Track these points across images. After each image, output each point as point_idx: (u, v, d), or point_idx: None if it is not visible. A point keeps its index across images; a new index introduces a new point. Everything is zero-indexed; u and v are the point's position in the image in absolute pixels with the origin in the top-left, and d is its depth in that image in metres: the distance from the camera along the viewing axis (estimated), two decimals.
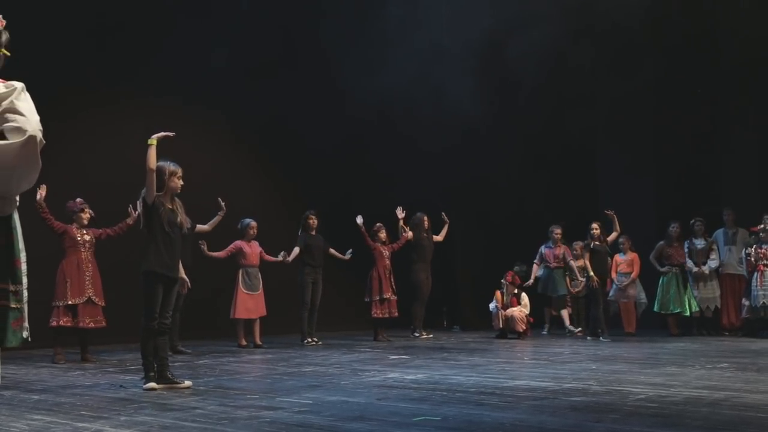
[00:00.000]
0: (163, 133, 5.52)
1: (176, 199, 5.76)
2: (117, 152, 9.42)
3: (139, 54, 10.16)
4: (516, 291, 10.46)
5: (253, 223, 9.33)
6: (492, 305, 10.48)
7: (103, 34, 9.82)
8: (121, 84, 9.89)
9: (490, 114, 11.48)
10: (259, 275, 9.33)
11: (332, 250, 9.93)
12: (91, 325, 7.59)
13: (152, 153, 5.47)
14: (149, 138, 5.51)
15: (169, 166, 5.67)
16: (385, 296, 10.01)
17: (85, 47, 9.66)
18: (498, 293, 10.47)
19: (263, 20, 11.16)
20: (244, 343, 9.18)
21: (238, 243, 9.25)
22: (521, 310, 10.28)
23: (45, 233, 7.55)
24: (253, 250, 9.31)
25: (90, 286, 7.58)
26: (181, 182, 5.72)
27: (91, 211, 7.80)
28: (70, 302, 7.46)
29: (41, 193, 7.33)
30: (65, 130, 9.34)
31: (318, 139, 11.61)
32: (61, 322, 7.46)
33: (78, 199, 7.78)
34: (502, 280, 10.46)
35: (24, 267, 3.06)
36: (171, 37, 10.43)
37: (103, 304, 7.69)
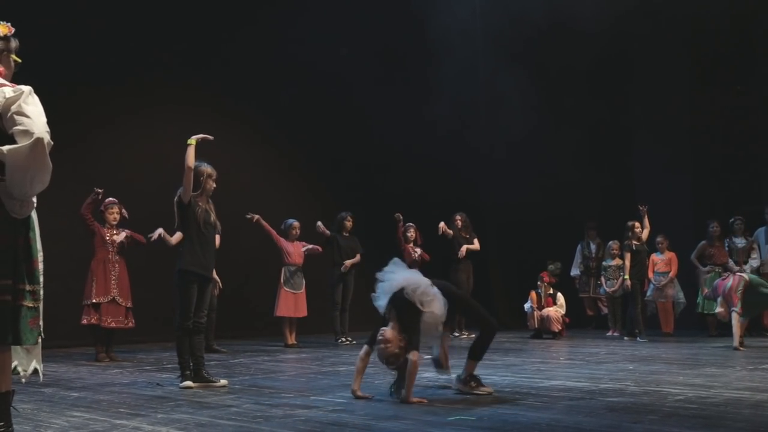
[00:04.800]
0: (201, 135, 5.60)
1: (210, 200, 5.85)
2: (155, 153, 9.57)
3: (181, 57, 10.28)
4: (551, 291, 10.37)
5: (296, 223, 9.40)
6: (527, 305, 10.40)
7: (145, 37, 9.93)
8: (160, 86, 10.04)
9: (527, 111, 11.40)
10: (302, 275, 9.37)
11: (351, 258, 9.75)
12: (113, 324, 7.59)
13: (191, 152, 5.56)
14: (189, 138, 5.61)
15: (207, 168, 5.78)
16: None
17: (125, 50, 9.79)
18: (533, 293, 10.39)
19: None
20: (290, 341, 9.19)
21: (283, 242, 9.31)
22: (557, 311, 10.20)
23: (84, 234, 7.68)
24: (296, 249, 9.37)
25: (115, 286, 7.60)
26: (214, 185, 5.83)
27: (124, 211, 7.77)
28: (94, 300, 7.51)
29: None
30: (104, 132, 9.53)
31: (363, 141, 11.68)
32: (93, 321, 7.54)
33: (108, 199, 7.76)
34: (539, 282, 10.36)
35: (41, 266, 3.11)
36: (213, 42, 10.57)
37: (129, 305, 7.69)
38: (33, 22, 8.89)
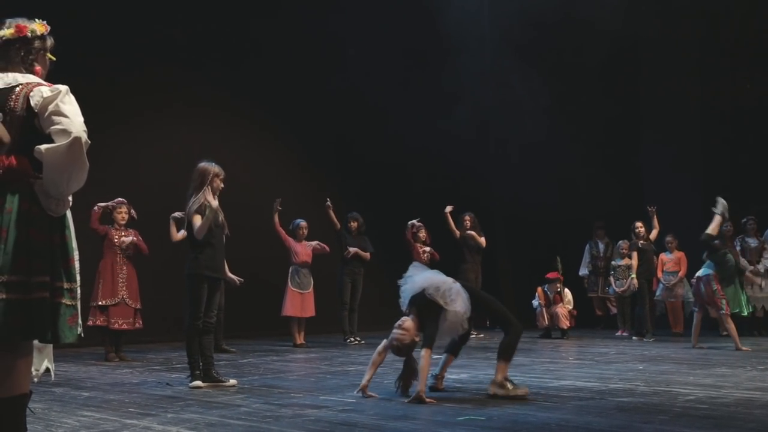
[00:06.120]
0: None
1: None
2: (165, 153, 9.61)
3: (192, 57, 10.31)
4: (559, 288, 10.35)
5: (304, 224, 9.41)
6: (535, 302, 10.38)
7: (155, 36, 9.95)
8: (170, 86, 10.07)
9: (536, 111, 11.37)
10: (310, 275, 9.38)
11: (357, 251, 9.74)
12: (124, 326, 7.60)
13: (206, 220, 5.59)
14: (211, 203, 5.62)
15: (214, 167, 5.78)
16: None
17: (133, 51, 9.82)
18: (539, 290, 10.36)
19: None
20: (299, 341, 9.20)
21: (291, 241, 9.32)
22: (564, 307, 10.19)
23: (91, 235, 7.70)
24: (303, 249, 9.38)
25: (123, 287, 7.61)
26: (222, 184, 5.83)
27: (133, 211, 7.78)
28: (101, 303, 7.53)
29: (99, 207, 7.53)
30: (114, 132, 9.55)
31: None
32: (98, 322, 7.55)
33: (117, 199, 7.77)
34: (557, 284, 10.28)
35: (77, 265, 3.12)
36: (225, 41, 10.59)
37: (138, 306, 7.70)
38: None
